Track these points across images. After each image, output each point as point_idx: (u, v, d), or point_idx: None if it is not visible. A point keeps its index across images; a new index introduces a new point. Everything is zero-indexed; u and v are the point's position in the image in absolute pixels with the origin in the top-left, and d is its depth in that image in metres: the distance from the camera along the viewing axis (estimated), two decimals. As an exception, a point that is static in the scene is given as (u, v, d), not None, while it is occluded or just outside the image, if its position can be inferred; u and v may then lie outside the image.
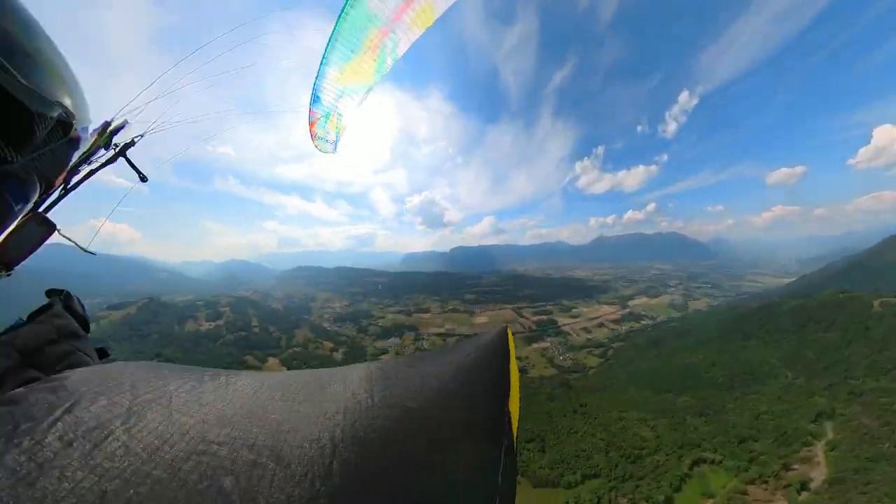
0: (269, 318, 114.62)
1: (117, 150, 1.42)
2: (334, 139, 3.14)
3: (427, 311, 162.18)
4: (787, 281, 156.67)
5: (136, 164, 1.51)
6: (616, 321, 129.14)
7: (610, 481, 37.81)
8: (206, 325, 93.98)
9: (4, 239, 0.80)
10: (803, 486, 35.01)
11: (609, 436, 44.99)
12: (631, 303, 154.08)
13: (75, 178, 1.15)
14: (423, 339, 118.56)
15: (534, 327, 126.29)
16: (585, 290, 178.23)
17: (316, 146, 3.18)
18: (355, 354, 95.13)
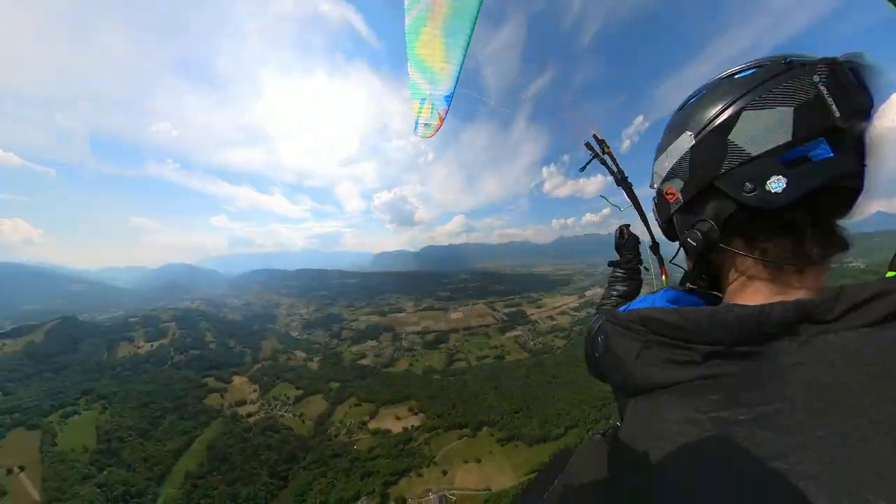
0: (227, 330, 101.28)
1: None
2: (435, 123, 3.18)
3: (402, 310, 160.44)
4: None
5: None
6: (576, 309, 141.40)
7: (587, 428, 46.79)
8: (145, 347, 78.97)
9: None
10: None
11: (579, 395, 54.25)
12: (587, 293, 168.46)
13: None
14: (401, 338, 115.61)
15: (505, 318, 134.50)
16: (549, 284, 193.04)
17: (419, 133, 3.29)
18: (332, 362, 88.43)
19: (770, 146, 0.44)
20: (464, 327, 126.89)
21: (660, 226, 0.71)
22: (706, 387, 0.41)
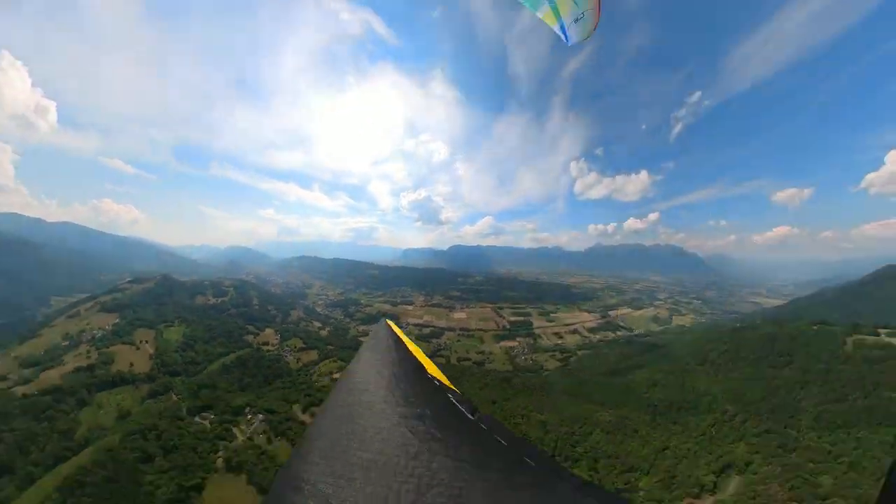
0: (269, 299, 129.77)
1: None
2: (591, 20, 3.00)
3: (411, 303, 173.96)
4: (779, 303, 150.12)
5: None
6: (591, 329, 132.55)
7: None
8: (213, 300, 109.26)
9: None
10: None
11: (499, 415, 52.03)
12: (612, 312, 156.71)
13: None
14: (402, 326, 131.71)
15: (507, 326, 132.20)
16: (569, 296, 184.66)
17: (577, 36, 3.14)
18: (339, 334, 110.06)
19: None
20: (462, 328, 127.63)
21: None
22: None
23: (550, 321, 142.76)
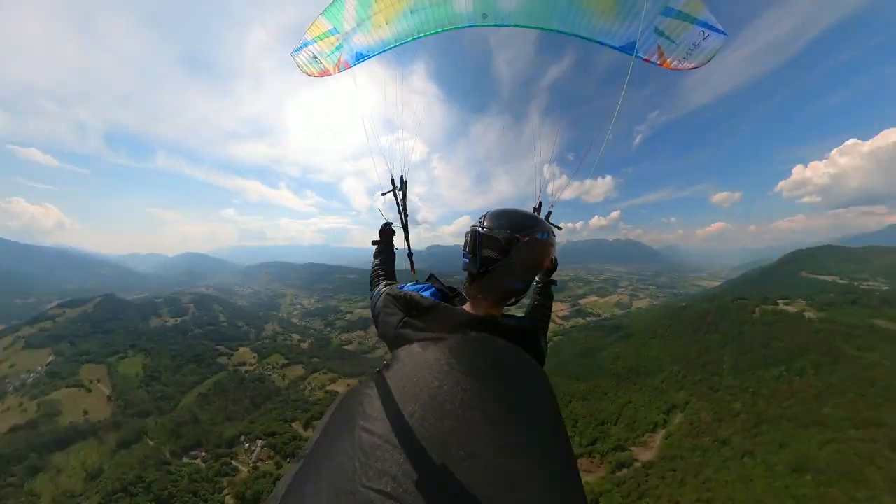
0: (237, 313, 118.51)
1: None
2: (328, 65, 2.61)
3: None
4: (716, 284, 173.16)
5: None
6: (564, 317, 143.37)
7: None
8: (171, 321, 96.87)
9: None
10: (622, 465, 43.12)
11: None
12: (581, 301, 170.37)
13: None
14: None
15: None
16: None
17: (300, 63, 2.68)
18: (321, 345, 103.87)
19: (463, 247, 1.19)
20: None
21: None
22: (430, 339, 0.94)
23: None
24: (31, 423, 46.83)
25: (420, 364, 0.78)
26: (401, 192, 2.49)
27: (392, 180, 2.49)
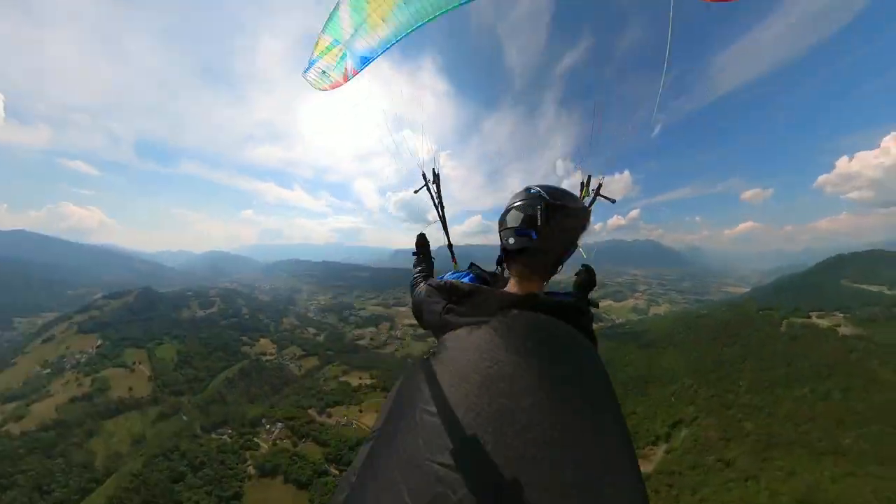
0: (258, 307, 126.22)
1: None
2: (337, 77, 2.74)
3: (403, 304, 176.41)
4: (745, 290, 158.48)
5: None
6: None
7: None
8: (200, 313, 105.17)
9: None
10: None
11: None
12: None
13: None
14: (396, 328, 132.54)
15: None
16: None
17: (311, 81, 2.80)
18: (335, 338, 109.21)
19: (513, 225, 1.12)
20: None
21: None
22: (474, 323, 0.92)
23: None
24: (87, 395, 54.56)
25: (467, 347, 0.82)
26: (434, 186, 2.52)
27: (423, 175, 2.50)
